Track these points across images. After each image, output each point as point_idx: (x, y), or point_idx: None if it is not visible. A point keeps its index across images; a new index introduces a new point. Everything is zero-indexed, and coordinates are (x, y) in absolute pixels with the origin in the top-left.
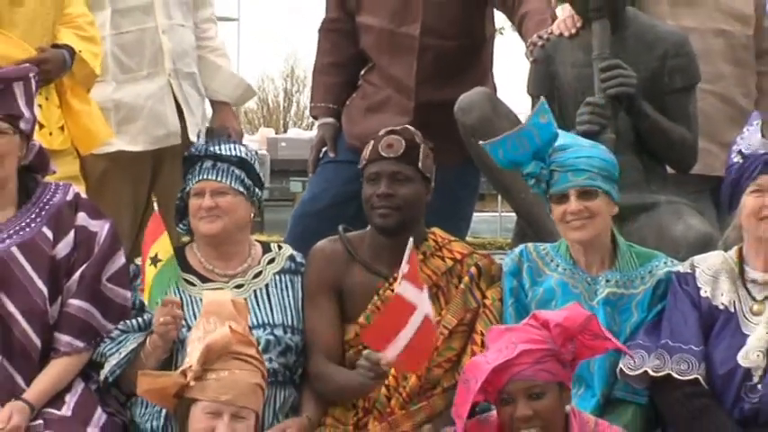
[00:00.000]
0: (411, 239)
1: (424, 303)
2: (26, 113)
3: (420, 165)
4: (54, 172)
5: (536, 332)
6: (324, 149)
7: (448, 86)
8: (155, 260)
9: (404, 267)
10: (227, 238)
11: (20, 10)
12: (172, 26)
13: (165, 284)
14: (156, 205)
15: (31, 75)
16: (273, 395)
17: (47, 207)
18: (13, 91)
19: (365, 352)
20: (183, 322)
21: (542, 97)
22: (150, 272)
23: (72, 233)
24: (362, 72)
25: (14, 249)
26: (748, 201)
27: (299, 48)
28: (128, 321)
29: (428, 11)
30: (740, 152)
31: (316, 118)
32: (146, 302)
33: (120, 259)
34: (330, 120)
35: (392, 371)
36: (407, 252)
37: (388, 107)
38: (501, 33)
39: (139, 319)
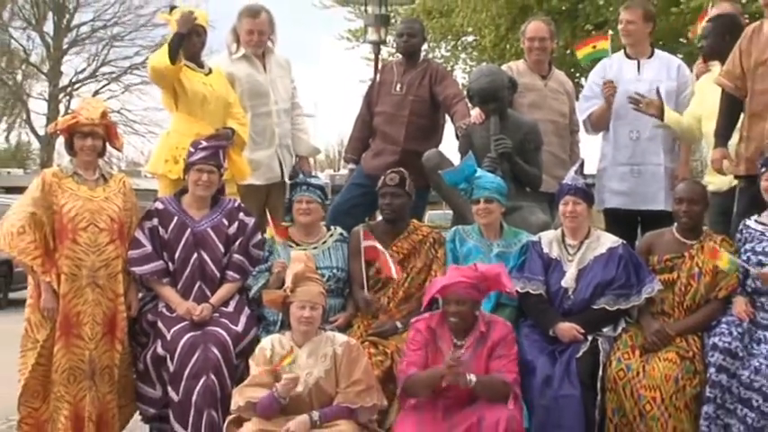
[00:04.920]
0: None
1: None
2: (223, 163)
3: (406, 188)
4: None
5: (469, 272)
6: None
7: (420, 143)
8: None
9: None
10: (312, 225)
11: (207, 107)
12: (280, 122)
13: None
14: (268, 213)
15: (228, 144)
16: (330, 302)
17: (225, 209)
18: (218, 152)
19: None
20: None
21: (470, 152)
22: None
23: (237, 223)
24: (370, 140)
25: (209, 229)
26: (561, 208)
27: (348, 129)
28: (259, 266)
29: (414, 105)
30: (559, 181)
31: (347, 162)
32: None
33: (258, 236)
34: (352, 165)
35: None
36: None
37: (385, 153)
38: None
39: (264, 266)
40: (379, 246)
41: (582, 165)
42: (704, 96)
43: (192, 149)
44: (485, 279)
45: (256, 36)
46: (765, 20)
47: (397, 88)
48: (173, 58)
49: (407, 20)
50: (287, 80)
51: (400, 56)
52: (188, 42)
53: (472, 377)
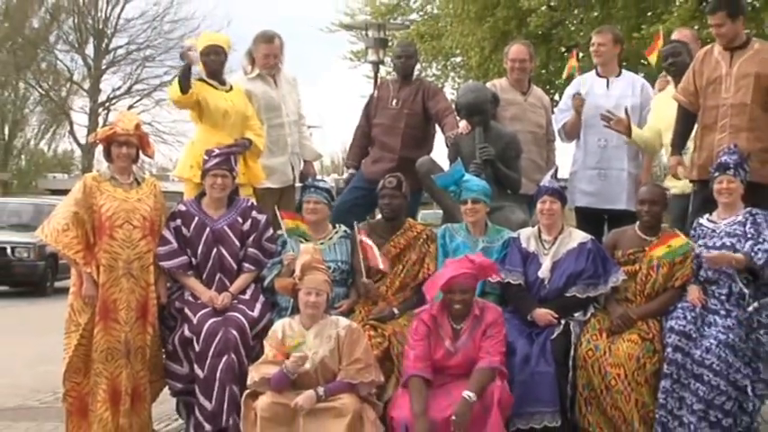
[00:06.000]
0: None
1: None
2: (235, 168)
3: (403, 190)
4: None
5: (468, 264)
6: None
7: (414, 151)
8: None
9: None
10: (319, 222)
11: (227, 120)
12: (291, 133)
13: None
14: (277, 210)
15: (239, 151)
16: (336, 290)
17: (240, 208)
18: (230, 158)
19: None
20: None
21: (458, 159)
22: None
23: (250, 220)
24: (369, 148)
25: (225, 227)
26: (539, 206)
27: (350, 138)
28: (273, 259)
29: (408, 118)
30: (537, 184)
31: (348, 167)
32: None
33: (270, 231)
34: (353, 170)
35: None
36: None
37: (383, 159)
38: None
39: (277, 258)
40: (368, 240)
41: (556, 170)
42: (661, 111)
43: (207, 157)
44: (482, 268)
45: (271, 59)
46: (715, 44)
47: (393, 103)
48: (183, 89)
49: (403, 43)
50: (294, 95)
51: (396, 74)
52: (208, 60)
53: (471, 395)
